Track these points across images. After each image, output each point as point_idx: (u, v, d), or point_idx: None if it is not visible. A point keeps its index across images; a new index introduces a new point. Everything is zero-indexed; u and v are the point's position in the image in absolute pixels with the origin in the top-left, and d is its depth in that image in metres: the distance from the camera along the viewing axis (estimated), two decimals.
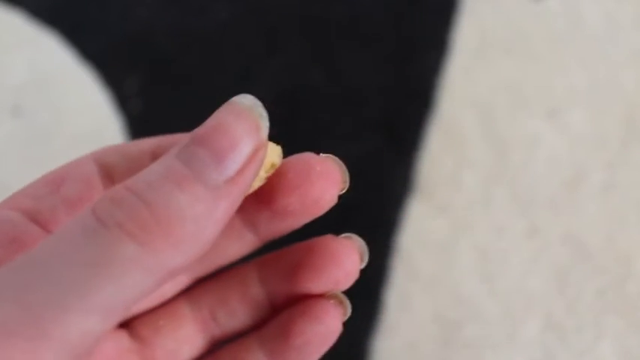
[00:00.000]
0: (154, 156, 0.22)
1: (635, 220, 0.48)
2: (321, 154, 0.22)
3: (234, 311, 0.23)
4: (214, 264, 0.23)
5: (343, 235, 0.23)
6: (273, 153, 0.21)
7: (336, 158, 0.22)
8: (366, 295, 0.47)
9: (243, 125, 0.18)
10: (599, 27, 0.53)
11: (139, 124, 0.52)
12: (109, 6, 0.55)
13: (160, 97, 0.53)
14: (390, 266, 0.47)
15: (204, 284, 0.23)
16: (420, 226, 0.48)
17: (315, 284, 0.22)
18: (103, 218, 0.17)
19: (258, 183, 0.20)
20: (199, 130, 0.18)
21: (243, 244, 0.23)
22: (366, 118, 0.51)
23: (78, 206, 0.22)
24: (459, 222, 0.48)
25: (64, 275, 0.16)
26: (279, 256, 0.23)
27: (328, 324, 0.22)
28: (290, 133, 0.51)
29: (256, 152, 0.18)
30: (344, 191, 0.22)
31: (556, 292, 0.47)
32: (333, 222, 0.50)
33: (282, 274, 0.22)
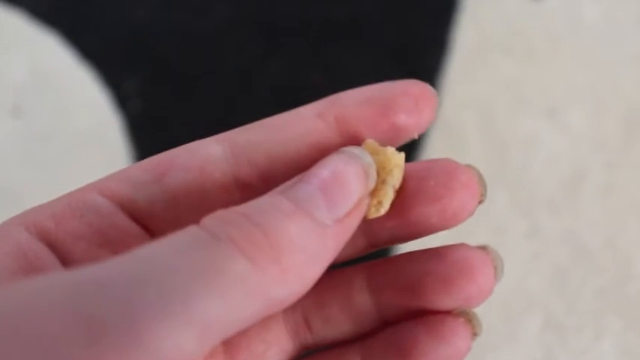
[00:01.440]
0: (320, 116, 0.20)
1: (635, 220, 0.48)
2: (463, 163, 0.20)
3: (332, 318, 0.21)
4: None
5: (478, 244, 0.21)
6: (400, 162, 0.20)
7: (477, 168, 0.20)
8: None
9: (355, 171, 0.18)
10: (599, 27, 0.53)
11: (138, 124, 0.52)
12: (109, 6, 0.55)
13: (160, 97, 0.53)
14: None
15: None
16: None
17: (443, 299, 0.20)
18: (214, 231, 0.16)
19: (387, 205, 0.19)
20: (308, 172, 0.18)
21: (354, 248, 0.21)
22: None
23: (182, 202, 0.19)
24: None
25: (171, 280, 0.15)
26: (395, 262, 0.21)
27: (457, 345, 0.20)
28: None
29: (364, 199, 0.18)
30: (482, 202, 0.21)
31: (556, 292, 0.47)
32: None
33: (399, 285, 0.20)
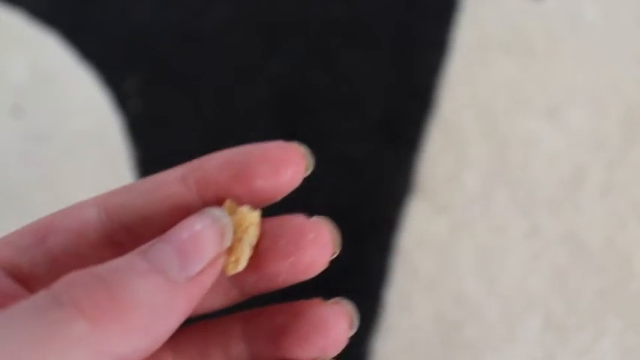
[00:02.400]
0: (182, 178, 0.21)
1: (634, 220, 0.48)
2: (313, 218, 0.21)
3: None
4: (196, 312, 0.23)
5: (332, 300, 0.22)
6: (255, 221, 0.21)
7: (328, 221, 0.21)
8: (366, 296, 0.47)
9: (210, 231, 0.19)
10: (598, 27, 0.53)
11: (138, 124, 0.52)
12: (109, 6, 0.55)
13: (160, 97, 0.53)
14: (390, 266, 0.47)
15: (190, 333, 0.23)
16: (420, 226, 0.48)
17: (301, 352, 0.21)
18: (58, 295, 0.17)
19: (244, 261, 0.20)
20: (166, 233, 0.19)
21: (228, 298, 0.22)
22: (366, 118, 0.51)
23: (62, 263, 0.20)
24: (458, 222, 0.48)
25: (16, 345, 0.16)
26: (264, 314, 0.22)
27: None
28: (290, 133, 0.51)
29: (219, 257, 0.19)
30: (335, 255, 0.22)
31: (556, 292, 0.47)
32: (334, 222, 0.50)
33: (267, 336, 0.22)
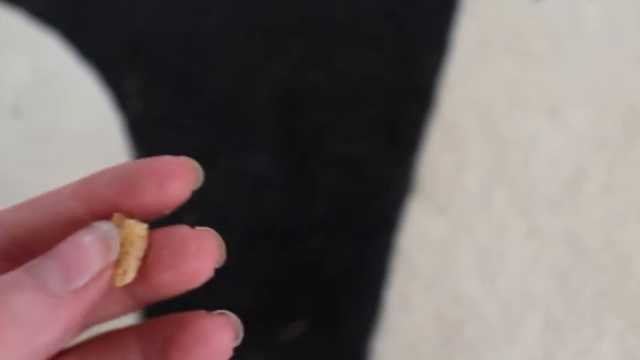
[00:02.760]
0: (73, 194, 0.22)
1: (635, 220, 0.48)
2: (196, 228, 0.22)
3: None
4: (95, 322, 0.24)
5: (217, 311, 0.22)
6: (142, 233, 0.21)
7: (212, 231, 0.22)
8: (366, 296, 0.47)
9: (94, 244, 0.19)
10: (598, 27, 0.53)
11: (138, 124, 0.52)
12: (109, 6, 0.55)
13: (160, 97, 0.53)
14: (389, 266, 0.47)
15: (93, 345, 0.23)
16: (419, 226, 0.48)
17: None
18: None
19: (131, 273, 0.21)
20: (53, 248, 0.19)
21: (125, 307, 0.23)
22: (366, 118, 0.51)
23: None
24: (458, 222, 0.48)
25: None
26: (154, 326, 0.23)
27: None
28: (290, 133, 0.51)
29: (105, 270, 0.20)
30: (221, 264, 0.22)
31: (556, 292, 0.47)
32: (334, 222, 0.50)
33: (157, 347, 0.22)
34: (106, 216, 0.21)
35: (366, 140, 0.51)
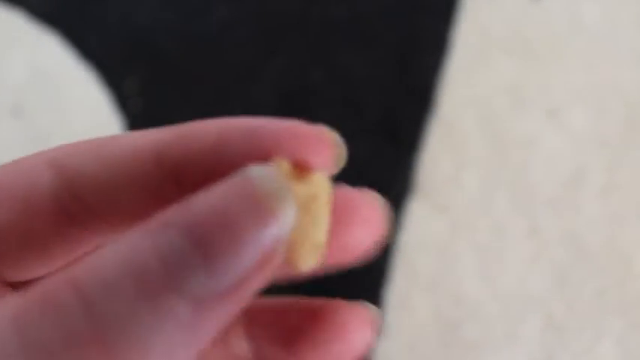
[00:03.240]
0: (159, 163, 0.15)
1: (635, 220, 0.48)
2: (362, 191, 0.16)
3: None
4: None
5: (357, 303, 0.18)
6: (328, 189, 0.14)
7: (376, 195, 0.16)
8: (366, 295, 0.47)
9: (254, 217, 0.12)
10: (599, 27, 0.53)
11: (139, 124, 0.52)
12: (109, 6, 0.55)
13: (161, 96, 0.53)
14: (389, 266, 0.47)
15: None
16: (419, 226, 0.48)
17: (315, 357, 0.17)
18: (28, 335, 0.12)
19: (321, 247, 0.14)
20: (192, 212, 0.12)
21: None
22: (366, 118, 0.51)
23: (7, 233, 0.16)
24: (458, 222, 0.48)
25: None
26: (273, 312, 0.19)
27: None
28: None
29: (268, 258, 0.12)
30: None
31: (556, 293, 0.47)
32: None
33: (276, 337, 0.18)
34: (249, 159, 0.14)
35: (366, 140, 0.51)
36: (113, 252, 0.12)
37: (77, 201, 0.16)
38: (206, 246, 0.12)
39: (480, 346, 0.46)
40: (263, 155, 0.14)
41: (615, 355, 0.45)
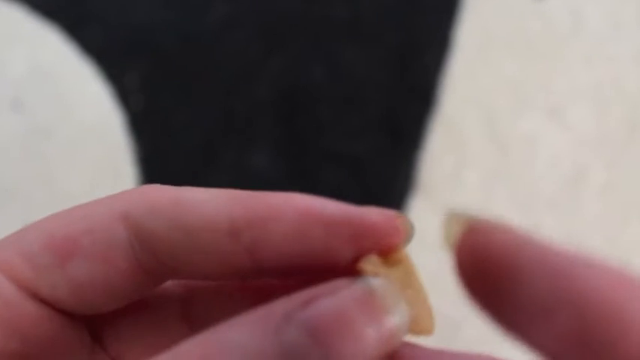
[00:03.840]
0: (232, 232, 0.16)
1: (635, 220, 0.48)
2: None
3: None
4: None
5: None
6: (413, 266, 0.16)
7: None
8: None
9: (375, 324, 0.13)
10: (600, 26, 0.53)
11: (140, 119, 0.52)
12: (110, 1, 0.55)
13: (162, 92, 0.53)
14: None
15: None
16: (420, 223, 0.48)
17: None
18: None
19: (430, 317, 0.16)
20: (313, 310, 0.13)
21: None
22: (367, 117, 0.51)
23: (87, 290, 0.17)
24: None
25: None
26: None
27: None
28: (291, 132, 0.51)
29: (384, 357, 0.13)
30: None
31: None
32: None
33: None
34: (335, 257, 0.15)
35: (367, 138, 0.51)
36: (240, 342, 0.13)
37: (154, 260, 0.17)
38: (330, 347, 0.13)
39: (480, 345, 0.46)
40: (346, 249, 0.15)
41: None
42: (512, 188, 0.49)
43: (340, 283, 0.14)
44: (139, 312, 0.18)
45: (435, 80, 0.52)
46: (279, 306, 0.13)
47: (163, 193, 0.17)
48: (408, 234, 0.17)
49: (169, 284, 0.19)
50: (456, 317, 0.46)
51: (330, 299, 0.13)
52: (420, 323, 0.15)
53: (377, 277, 0.14)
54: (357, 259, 0.15)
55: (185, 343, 0.13)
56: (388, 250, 0.16)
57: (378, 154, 0.50)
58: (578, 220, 0.48)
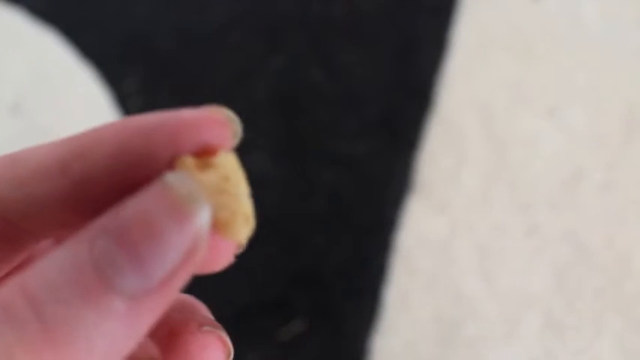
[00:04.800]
0: (63, 170, 0.16)
1: (634, 219, 0.48)
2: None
3: None
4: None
5: (206, 327, 0.18)
6: (236, 163, 0.16)
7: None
8: (365, 294, 0.47)
9: (175, 217, 0.14)
10: (597, 26, 0.53)
11: None
12: (108, 4, 0.55)
13: (160, 95, 0.53)
14: (389, 265, 0.47)
15: None
16: (419, 224, 0.48)
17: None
18: None
19: (250, 216, 0.16)
20: (118, 219, 0.14)
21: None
22: (366, 117, 0.51)
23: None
24: (458, 220, 0.48)
25: None
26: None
27: None
28: (290, 132, 0.51)
29: (190, 253, 0.14)
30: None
31: (555, 291, 0.47)
32: (333, 221, 0.50)
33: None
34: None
35: (366, 139, 0.51)
36: (55, 259, 0.14)
37: (4, 223, 0.17)
38: (133, 249, 0.14)
39: (480, 344, 0.46)
40: (165, 153, 0.15)
41: (614, 353, 0.46)
42: (511, 188, 0.49)
43: (145, 187, 0.14)
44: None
45: (433, 81, 0.52)
46: (95, 222, 0.14)
47: (1, 159, 0.17)
48: (230, 130, 0.16)
49: (47, 245, 0.19)
50: (455, 316, 0.46)
51: (132, 202, 0.14)
52: (231, 228, 0.15)
53: (175, 173, 0.14)
54: (173, 162, 0.15)
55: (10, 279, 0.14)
56: (205, 151, 0.16)
57: (377, 154, 0.50)
58: (578, 219, 0.48)
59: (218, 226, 0.15)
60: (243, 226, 0.15)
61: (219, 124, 0.17)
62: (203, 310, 0.19)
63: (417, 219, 0.49)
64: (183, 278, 0.14)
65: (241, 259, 0.22)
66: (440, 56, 0.53)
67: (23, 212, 0.17)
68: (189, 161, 0.15)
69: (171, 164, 0.15)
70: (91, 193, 0.16)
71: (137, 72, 0.53)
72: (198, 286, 0.22)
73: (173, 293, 0.14)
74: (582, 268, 0.47)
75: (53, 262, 0.14)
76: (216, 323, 0.18)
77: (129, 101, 0.52)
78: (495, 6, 0.54)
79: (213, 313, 0.20)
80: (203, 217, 0.14)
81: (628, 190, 0.49)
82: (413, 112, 0.51)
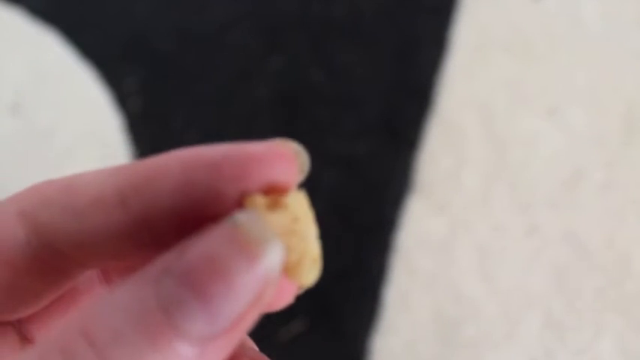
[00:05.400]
0: (123, 203, 0.15)
1: (634, 219, 0.48)
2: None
3: None
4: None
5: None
6: (306, 203, 0.15)
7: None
8: (365, 294, 0.47)
9: (246, 259, 0.13)
10: (598, 26, 0.53)
11: (138, 122, 0.52)
12: (109, 4, 0.55)
13: (160, 95, 0.53)
14: (389, 265, 0.47)
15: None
16: (419, 224, 0.48)
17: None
18: None
19: (317, 258, 0.15)
20: (185, 259, 0.13)
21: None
22: (366, 117, 0.51)
23: None
24: (458, 220, 0.48)
25: None
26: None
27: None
28: (290, 132, 0.51)
29: (259, 295, 0.13)
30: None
31: (555, 291, 0.47)
32: (333, 220, 0.50)
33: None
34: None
35: (366, 139, 0.51)
36: (117, 300, 0.13)
37: (54, 252, 0.16)
38: (202, 291, 0.13)
39: (480, 344, 0.46)
40: (232, 189, 0.15)
41: (614, 353, 0.46)
42: (511, 188, 0.49)
43: (211, 225, 0.14)
44: (67, 307, 0.18)
45: (433, 81, 0.52)
46: (158, 261, 0.13)
47: (54, 185, 0.16)
48: (298, 166, 0.15)
49: (92, 275, 0.18)
50: (455, 316, 0.46)
51: (199, 242, 0.13)
52: (298, 271, 0.15)
53: (246, 213, 0.14)
54: (242, 201, 0.14)
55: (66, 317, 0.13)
56: (273, 188, 0.15)
57: (376, 154, 0.50)
58: (578, 218, 0.48)
59: (285, 268, 0.14)
60: (311, 269, 0.15)
61: (288, 160, 0.15)
62: (250, 342, 0.19)
63: (417, 219, 0.49)
64: (251, 320, 0.14)
65: None
66: (440, 56, 0.53)
67: (76, 243, 0.16)
68: (259, 200, 0.14)
69: (239, 202, 0.14)
70: (151, 227, 0.15)
71: (137, 72, 0.53)
72: None
73: (240, 335, 0.14)
74: (582, 268, 0.47)
75: (115, 304, 0.13)
76: (264, 357, 0.18)
77: (129, 101, 0.52)
78: (495, 6, 0.54)
79: None
80: (275, 260, 0.14)
81: (628, 190, 0.49)
82: (413, 112, 0.51)
